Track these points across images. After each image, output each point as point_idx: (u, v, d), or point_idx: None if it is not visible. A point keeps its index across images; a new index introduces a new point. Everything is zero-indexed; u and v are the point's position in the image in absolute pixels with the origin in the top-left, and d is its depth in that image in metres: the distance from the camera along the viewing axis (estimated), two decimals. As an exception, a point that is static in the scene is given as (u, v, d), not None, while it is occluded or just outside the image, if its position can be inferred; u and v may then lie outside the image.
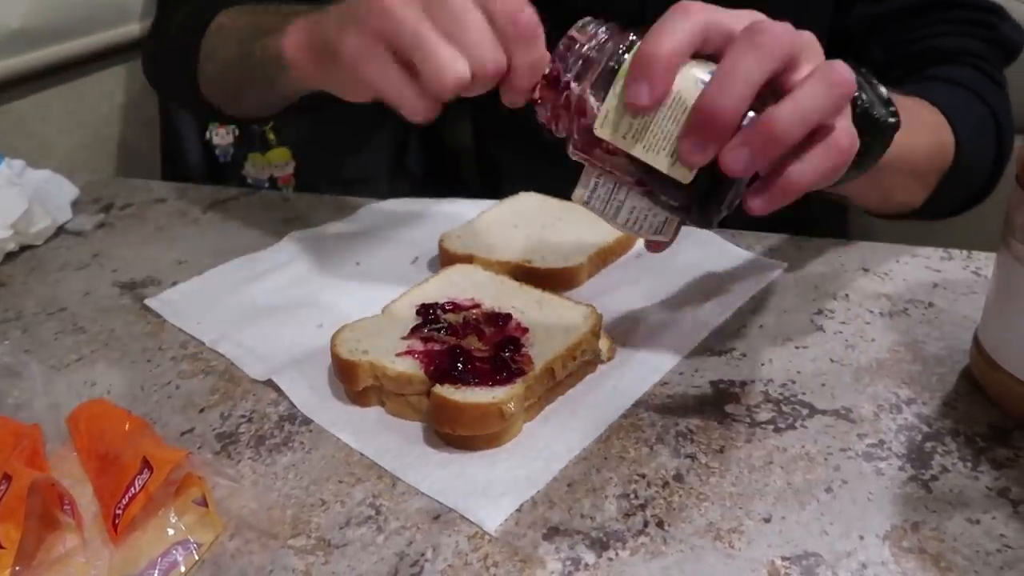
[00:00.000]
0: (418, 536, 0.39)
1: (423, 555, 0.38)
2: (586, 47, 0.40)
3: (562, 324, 0.48)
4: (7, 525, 0.36)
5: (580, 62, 0.40)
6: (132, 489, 0.38)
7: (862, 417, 0.44)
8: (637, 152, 0.39)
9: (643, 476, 0.41)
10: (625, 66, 0.38)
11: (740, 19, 0.38)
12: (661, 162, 0.38)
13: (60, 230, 0.71)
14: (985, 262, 0.57)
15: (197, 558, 0.38)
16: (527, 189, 0.69)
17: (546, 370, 0.45)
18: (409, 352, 0.47)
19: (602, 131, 0.39)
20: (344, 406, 0.48)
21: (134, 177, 0.84)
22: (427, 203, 0.71)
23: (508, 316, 0.49)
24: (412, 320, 0.50)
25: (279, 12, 0.59)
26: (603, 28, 0.40)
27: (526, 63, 0.41)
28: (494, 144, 0.90)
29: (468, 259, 0.58)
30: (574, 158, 0.41)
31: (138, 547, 0.38)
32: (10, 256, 0.67)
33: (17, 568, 0.36)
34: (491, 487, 0.41)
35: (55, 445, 0.45)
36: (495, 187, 0.88)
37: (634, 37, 0.39)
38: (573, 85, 0.40)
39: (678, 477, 0.41)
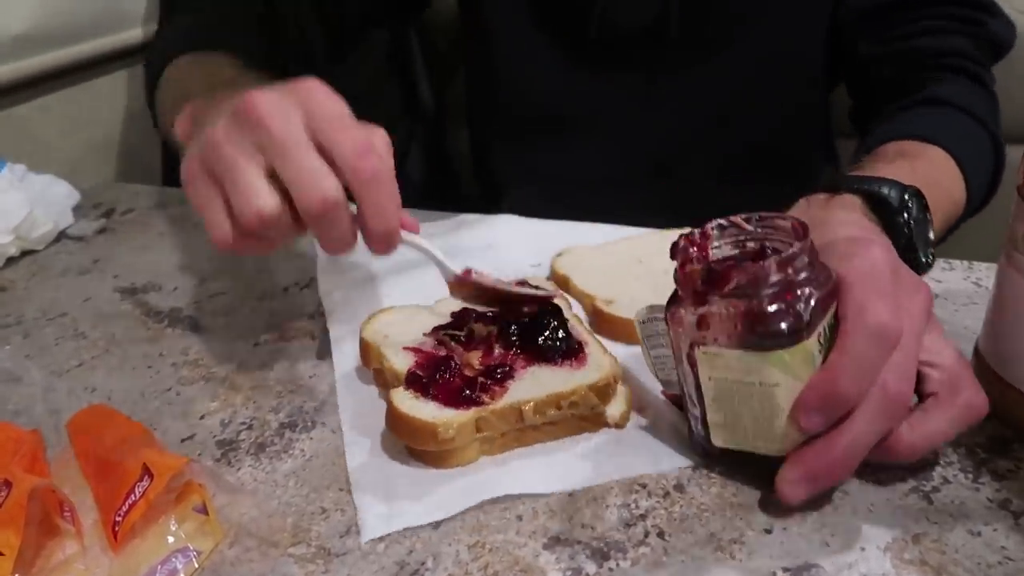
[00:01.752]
0: (418, 545, 0.39)
1: (423, 564, 0.37)
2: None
3: (572, 369, 0.45)
4: (7, 531, 0.36)
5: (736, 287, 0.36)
6: (132, 496, 0.38)
7: (863, 428, 0.44)
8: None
9: (644, 486, 0.41)
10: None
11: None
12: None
13: (61, 235, 0.71)
14: (986, 272, 0.58)
15: (197, 566, 0.38)
16: (523, 199, 0.69)
17: (512, 409, 0.43)
18: (415, 349, 0.47)
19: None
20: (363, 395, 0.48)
21: (136, 182, 0.84)
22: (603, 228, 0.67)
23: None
24: (445, 319, 0.50)
25: (211, 78, 0.58)
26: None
27: (372, 206, 0.41)
28: (492, 153, 0.91)
29: (565, 281, 0.57)
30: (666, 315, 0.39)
31: (138, 554, 0.38)
32: (11, 261, 0.67)
33: (16, 575, 0.36)
34: (399, 500, 0.41)
35: (55, 451, 0.45)
36: (494, 197, 0.89)
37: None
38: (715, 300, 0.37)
39: (679, 487, 0.41)
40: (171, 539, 0.38)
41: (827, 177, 0.53)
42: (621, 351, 0.50)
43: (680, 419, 0.44)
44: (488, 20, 0.79)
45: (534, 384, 0.44)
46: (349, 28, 0.77)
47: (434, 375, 0.44)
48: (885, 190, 0.49)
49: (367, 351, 0.49)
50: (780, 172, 0.81)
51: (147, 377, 0.52)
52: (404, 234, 0.45)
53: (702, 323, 0.37)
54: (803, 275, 0.36)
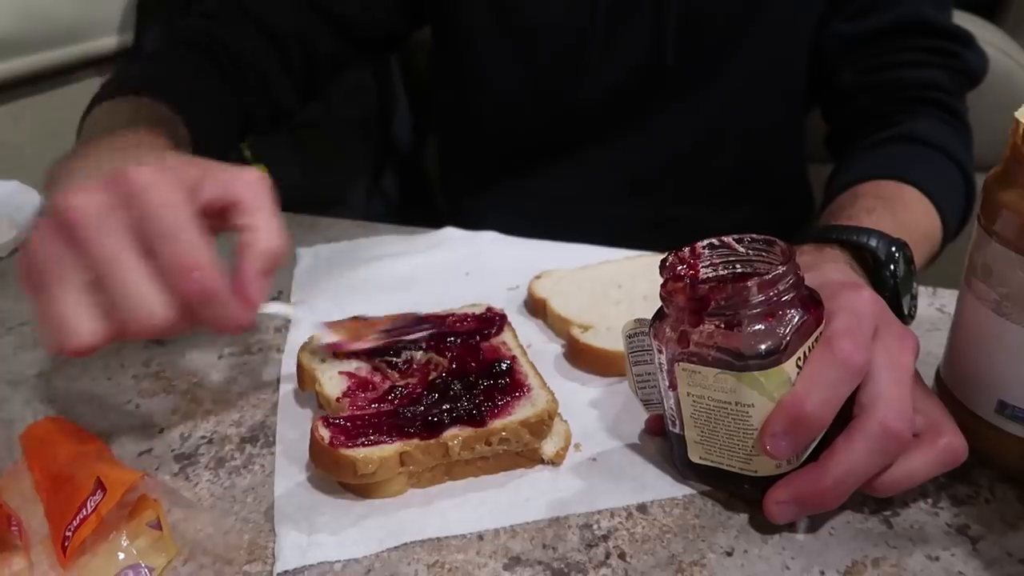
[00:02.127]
0: (377, 564, 0.38)
1: (381, 584, 0.37)
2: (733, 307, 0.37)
3: (507, 403, 0.43)
4: (-50, 546, 0.35)
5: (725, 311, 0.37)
6: (84, 511, 0.37)
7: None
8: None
9: (606, 507, 0.41)
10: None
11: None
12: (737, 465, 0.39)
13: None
14: (949, 299, 0.58)
15: (148, 583, 0.37)
16: (483, 215, 0.69)
17: (438, 444, 0.41)
18: (349, 374, 0.46)
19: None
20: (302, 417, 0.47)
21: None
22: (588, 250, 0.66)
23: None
24: (387, 340, 0.48)
25: (111, 127, 0.54)
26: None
27: (212, 320, 0.38)
28: (470, 175, 0.91)
29: (543, 304, 0.56)
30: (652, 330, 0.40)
31: (88, 571, 0.37)
32: (-28, 267, 0.66)
33: (-41, 591, 0.35)
34: (319, 532, 0.40)
35: (6, 463, 0.44)
36: (457, 212, 0.89)
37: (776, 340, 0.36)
38: (709, 323, 0.37)
39: (642, 508, 0.41)
40: (122, 555, 0.37)
41: (814, 227, 0.55)
42: (589, 386, 0.49)
43: (621, 458, 0.44)
44: (471, 55, 0.79)
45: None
46: (318, 77, 0.77)
47: (362, 404, 0.43)
48: (873, 243, 0.51)
49: (303, 374, 0.47)
50: (756, 195, 0.82)
51: (106, 389, 0.51)
52: (264, 307, 0.43)
53: (684, 340, 0.38)
54: (785, 298, 0.37)
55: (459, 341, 0.48)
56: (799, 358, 0.37)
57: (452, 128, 0.89)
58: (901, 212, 0.58)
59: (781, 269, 0.37)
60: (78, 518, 0.37)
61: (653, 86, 0.74)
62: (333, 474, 0.42)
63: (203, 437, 0.47)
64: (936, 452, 0.38)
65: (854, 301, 0.39)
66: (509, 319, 0.51)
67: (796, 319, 0.37)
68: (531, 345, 0.52)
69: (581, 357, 0.51)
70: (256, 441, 0.46)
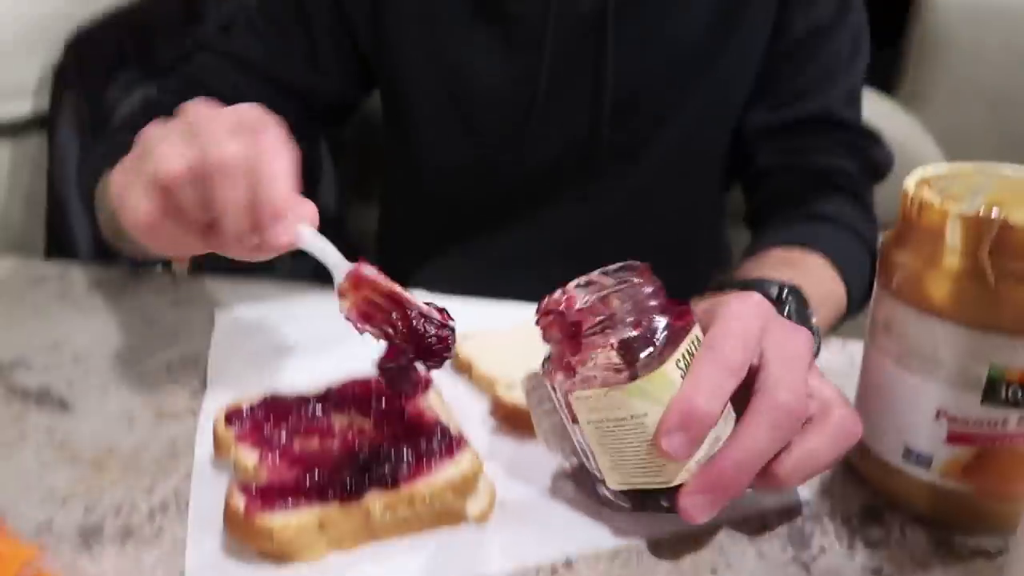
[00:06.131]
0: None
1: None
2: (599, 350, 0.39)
3: (432, 463, 0.42)
4: None
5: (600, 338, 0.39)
6: (-28, 589, 0.35)
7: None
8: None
9: (533, 564, 0.40)
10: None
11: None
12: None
13: (-77, 309, 0.66)
14: (859, 350, 0.61)
15: (42, 666, 0.34)
16: (428, 277, 0.69)
17: (360, 508, 0.40)
18: (269, 441, 0.44)
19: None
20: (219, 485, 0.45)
21: (14, 255, 0.80)
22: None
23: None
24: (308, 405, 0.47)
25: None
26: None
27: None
28: (394, 231, 0.91)
29: (467, 364, 0.56)
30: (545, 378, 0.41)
31: (-26, 656, 0.34)
32: None
33: None
34: None
35: None
36: (398, 274, 0.89)
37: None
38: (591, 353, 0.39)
39: (568, 564, 0.40)
40: (14, 637, 0.35)
41: (715, 280, 0.57)
42: (514, 440, 0.49)
43: (546, 512, 0.44)
44: (412, 119, 0.81)
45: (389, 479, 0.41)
46: None
47: (280, 469, 0.42)
48: (765, 287, 0.53)
49: (219, 442, 0.46)
50: (681, 262, 0.85)
51: (4, 460, 0.48)
52: (302, 230, 0.45)
53: (569, 369, 0.39)
54: (649, 304, 0.39)
55: (383, 403, 0.48)
56: (678, 360, 0.38)
57: (397, 194, 0.90)
58: (803, 273, 0.60)
59: (637, 281, 0.39)
60: (-35, 597, 0.34)
61: (589, 159, 0.78)
62: (249, 543, 0.40)
63: (109, 507, 0.44)
64: (829, 428, 0.40)
65: (738, 305, 0.41)
66: (433, 379, 0.50)
67: (665, 324, 0.39)
68: (456, 403, 0.52)
69: (505, 415, 0.51)
70: (167, 510, 0.44)
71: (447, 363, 0.57)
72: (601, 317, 0.38)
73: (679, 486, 0.39)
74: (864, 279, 0.70)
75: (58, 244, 1.04)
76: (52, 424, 0.51)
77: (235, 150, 0.42)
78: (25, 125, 1.05)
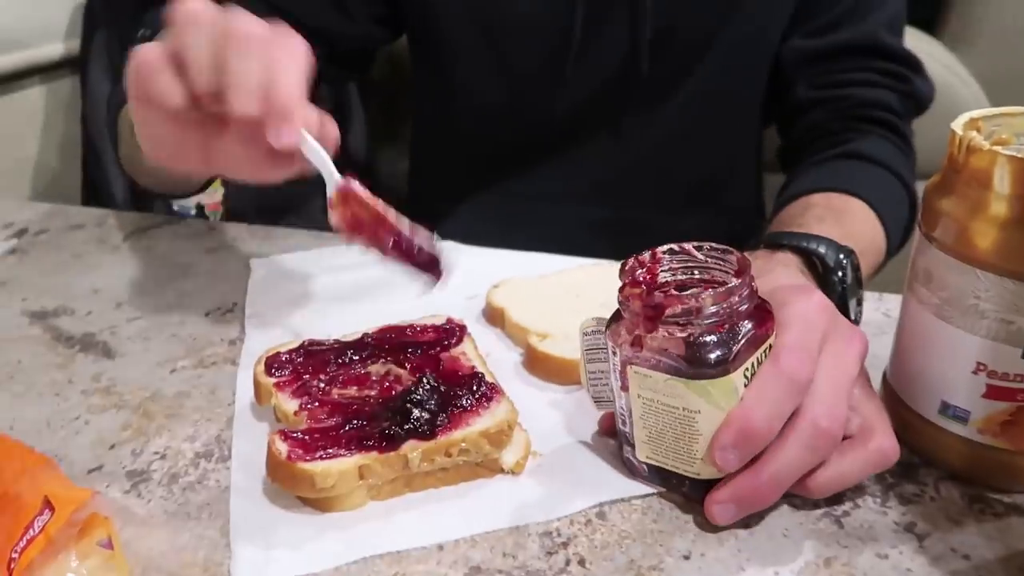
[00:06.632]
0: (336, 577, 0.38)
1: (340, 597, 0.37)
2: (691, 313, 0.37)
3: (467, 414, 0.43)
4: None
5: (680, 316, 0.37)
6: (31, 531, 0.36)
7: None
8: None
9: (566, 514, 0.41)
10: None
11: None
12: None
13: (-33, 255, 0.68)
14: (895, 303, 0.60)
15: (99, 604, 0.36)
16: (460, 217, 0.68)
17: (398, 456, 0.41)
18: (309, 387, 0.45)
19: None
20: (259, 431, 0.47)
21: (53, 202, 0.81)
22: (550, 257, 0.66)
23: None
24: (344, 356, 0.48)
25: None
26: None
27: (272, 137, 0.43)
28: (425, 175, 0.90)
29: (500, 313, 0.56)
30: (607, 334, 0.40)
31: (35, 593, 0.36)
32: (-90, 282, 0.64)
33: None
34: (277, 548, 0.39)
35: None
36: (422, 217, 0.89)
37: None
38: (662, 330, 0.38)
39: (601, 515, 0.41)
40: (72, 576, 0.37)
41: (767, 234, 0.57)
42: (547, 392, 0.50)
43: (579, 463, 0.44)
44: (452, 69, 0.79)
45: (428, 427, 0.42)
46: None
47: (320, 417, 0.43)
48: (822, 249, 0.53)
49: (259, 389, 0.47)
50: (711, 202, 0.84)
51: (54, 405, 0.50)
52: (306, 134, 0.46)
53: (637, 343, 0.38)
54: (738, 309, 0.38)
55: (419, 352, 0.48)
56: (747, 368, 0.38)
57: (429, 137, 0.89)
58: (849, 223, 0.60)
59: (736, 281, 0.38)
60: (25, 539, 0.36)
61: (626, 95, 0.76)
62: (290, 489, 0.41)
63: (156, 453, 0.46)
64: (866, 454, 0.40)
65: (803, 310, 0.41)
66: (468, 329, 0.51)
67: (747, 331, 0.38)
68: (490, 354, 0.52)
69: (539, 365, 0.52)
70: (211, 456, 0.45)
71: (479, 313, 0.58)
72: (686, 308, 0.37)
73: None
74: (902, 223, 0.69)
75: (95, 190, 1.05)
76: (98, 371, 0.53)
77: (260, 31, 0.43)
78: (57, 67, 1.05)
